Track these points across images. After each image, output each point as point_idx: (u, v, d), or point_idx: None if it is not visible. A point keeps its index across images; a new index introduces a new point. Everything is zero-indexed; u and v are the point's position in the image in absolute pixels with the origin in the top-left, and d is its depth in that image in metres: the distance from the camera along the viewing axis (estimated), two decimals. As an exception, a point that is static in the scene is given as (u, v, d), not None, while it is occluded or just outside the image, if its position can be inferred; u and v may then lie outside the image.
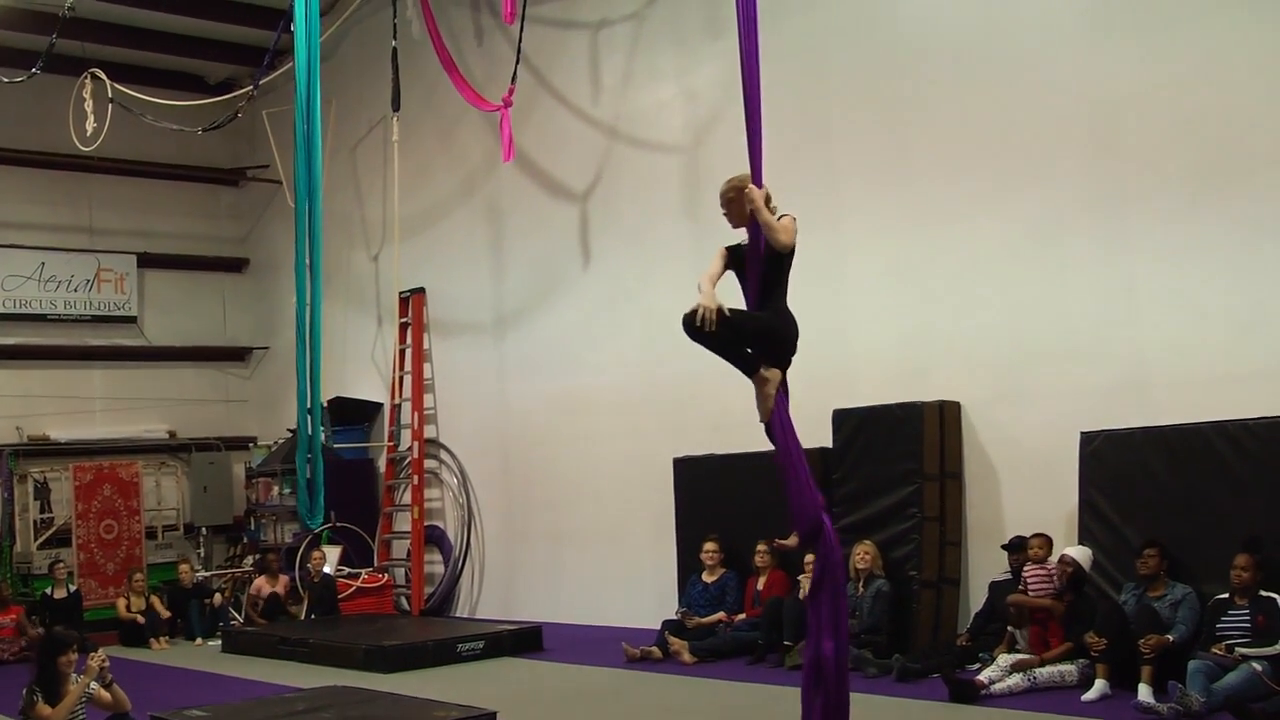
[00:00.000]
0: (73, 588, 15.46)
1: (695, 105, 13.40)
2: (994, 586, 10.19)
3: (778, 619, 10.72)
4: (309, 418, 10.72)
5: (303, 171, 10.44)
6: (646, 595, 13.30)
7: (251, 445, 19.37)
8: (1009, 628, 9.58)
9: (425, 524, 16.32)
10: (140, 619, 14.99)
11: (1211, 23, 9.56)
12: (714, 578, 11.90)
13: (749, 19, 7.04)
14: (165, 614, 15.15)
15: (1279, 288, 9.16)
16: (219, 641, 14.44)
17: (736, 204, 6.82)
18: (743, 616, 11.51)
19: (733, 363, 6.79)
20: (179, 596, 15.56)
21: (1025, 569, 9.59)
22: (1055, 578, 9.35)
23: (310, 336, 10.53)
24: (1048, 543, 9.69)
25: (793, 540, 6.90)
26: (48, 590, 15.33)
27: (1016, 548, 9.96)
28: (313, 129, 10.44)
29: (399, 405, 16.94)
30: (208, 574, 16.94)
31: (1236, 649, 7.97)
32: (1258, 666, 7.76)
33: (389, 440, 17.01)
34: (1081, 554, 9.37)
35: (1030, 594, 9.45)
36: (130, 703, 7.97)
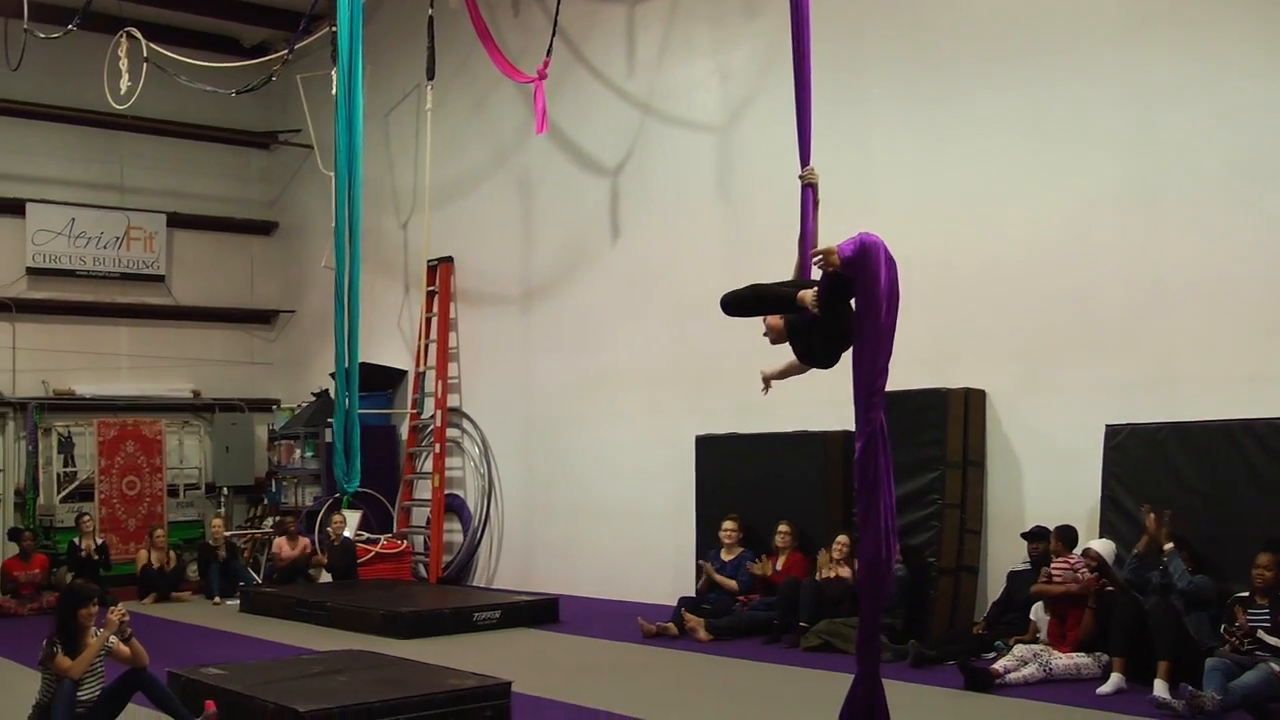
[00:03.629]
0: (99, 540, 15.58)
1: (730, 84, 13.35)
2: (1012, 576, 10.18)
3: (794, 600, 10.73)
4: (346, 382, 10.76)
5: (343, 138, 10.47)
6: (664, 571, 13.33)
7: (275, 408, 19.48)
8: (1030, 616, 9.57)
9: (445, 492, 16.37)
10: (169, 566, 15.31)
11: (1249, 16, 9.49)
12: (731, 556, 11.91)
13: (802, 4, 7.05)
14: (171, 564, 15.52)
15: (1312, 287, 9.13)
16: (237, 601, 14.53)
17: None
18: (767, 571, 11.49)
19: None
20: (207, 553, 15.70)
21: (1053, 564, 9.53)
22: (1079, 570, 9.28)
23: (349, 302, 10.55)
24: (1060, 536, 9.65)
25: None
26: (75, 540, 15.48)
27: (1036, 537, 9.94)
28: (354, 96, 10.47)
29: (423, 373, 16.98)
30: (228, 534, 17.04)
31: (1259, 632, 7.95)
32: (1276, 666, 7.73)
33: (412, 407, 17.07)
34: (1105, 547, 9.33)
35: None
36: (148, 657, 8.02)
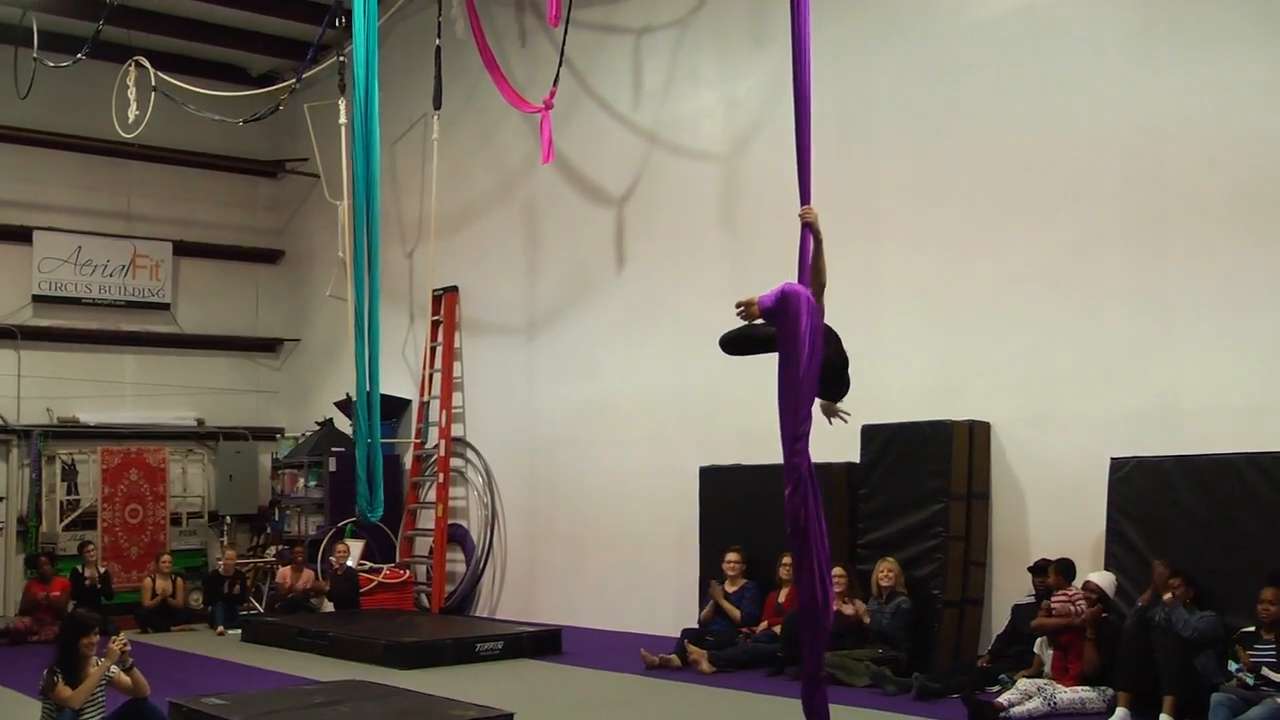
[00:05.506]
0: (102, 569, 15.56)
1: (736, 114, 13.39)
2: (1017, 609, 10.13)
3: (798, 632, 10.65)
4: (367, 411, 10.83)
5: (361, 167, 10.51)
6: (667, 603, 13.29)
7: (279, 436, 19.47)
8: (1034, 650, 9.52)
9: (449, 522, 16.33)
10: (173, 602, 15.32)
11: (1256, 48, 9.50)
12: (734, 588, 11.87)
13: (803, 46, 7.03)
14: (179, 595, 15.55)
15: (1317, 320, 9.11)
16: (239, 630, 14.48)
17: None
18: (765, 625, 11.46)
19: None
20: (215, 583, 15.67)
21: (1053, 597, 9.49)
22: (1076, 603, 9.25)
23: (369, 331, 10.63)
24: (1060, 570, 9.62)
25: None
26: (77, 568, 15.47)
27: (1041, 570, 9.90)
28: (370, 124, 10.51)
29: (427, 403, 16.98)
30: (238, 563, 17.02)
31: (1263, 669, 7.90)
32: (1282, 701, 7.68)
33: (416, 437, 17.05)
34: (1105, 579, 9.31)
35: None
36: (149, 687, 7.99)
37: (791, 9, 7.07)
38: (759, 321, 6.73)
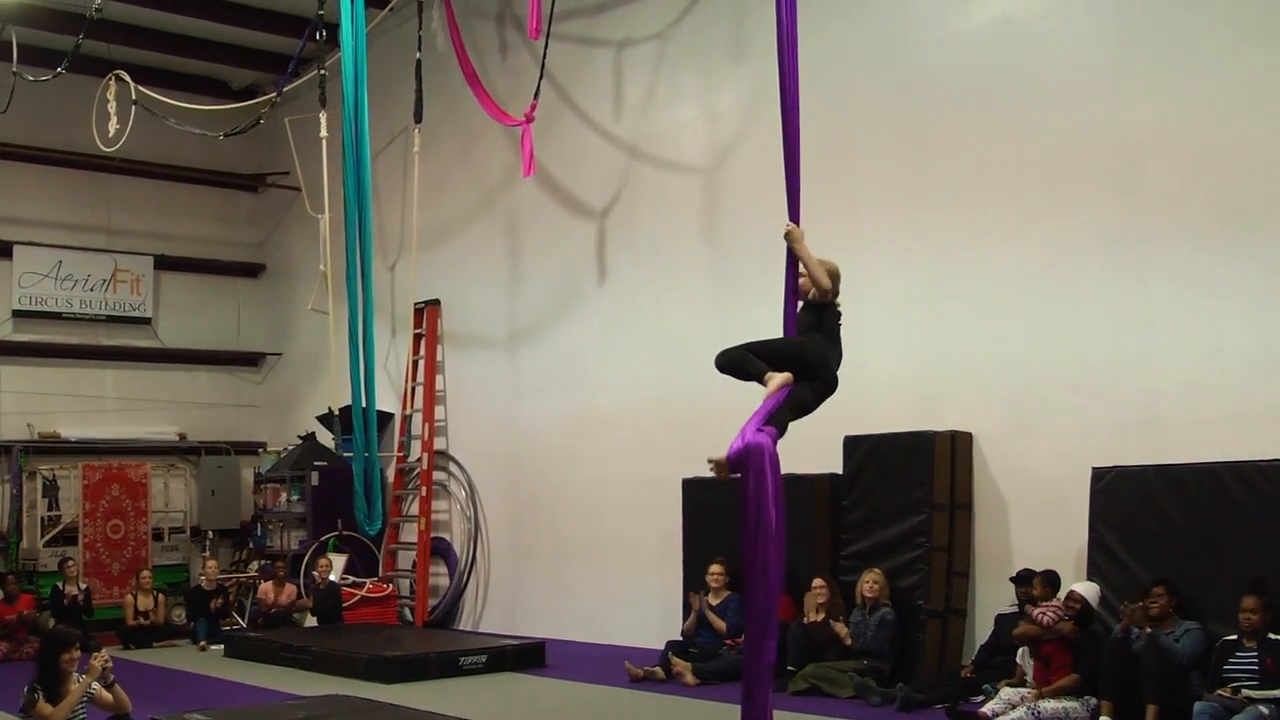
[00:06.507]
0: (83, 585, 15.46)
1: (716, 128, 13.41)
2: (1000, 619, 10.14)
3: (782, 643, 10.65)
4: (364, 425, 10.85)
5: (352, 184, 10.55)
6: (651, 615, 13.27)
7: (261, 450, 19.41)
8: (1016, 660, 9.54)
9: (432, 536, 16.31)
10: (154, 618, 15.25)
11: (1235, 59, 9.55)
12: (718, 600, 11.86)
13: (789, 63, 7.02)
14: (160, 611, 15.48)
15: (1298, 328, 9.15)
16: (222, 646, 14.42)
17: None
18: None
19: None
20: (198, 598, 15.60)
21: (1037, 606, 9.50)
22: (1057, 611, 9.27)
23: (364, 346, 10.66)
24: (1047, 581, 9.64)
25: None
26: (58, 585, 15.36)
27: (1025, 580, 9.92)
28: (361, 142, 10.56)
29: (410, 416, 16.95)
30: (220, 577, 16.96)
31: (1243, 690, 7.92)
32: (1264, 710, 7.69)
33: (398, 451, 17.01)
34: (1089, 590, 9.32)
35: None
36: (131, 704, 7.96)
37: (778, 28, 7.07)
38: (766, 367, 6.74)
